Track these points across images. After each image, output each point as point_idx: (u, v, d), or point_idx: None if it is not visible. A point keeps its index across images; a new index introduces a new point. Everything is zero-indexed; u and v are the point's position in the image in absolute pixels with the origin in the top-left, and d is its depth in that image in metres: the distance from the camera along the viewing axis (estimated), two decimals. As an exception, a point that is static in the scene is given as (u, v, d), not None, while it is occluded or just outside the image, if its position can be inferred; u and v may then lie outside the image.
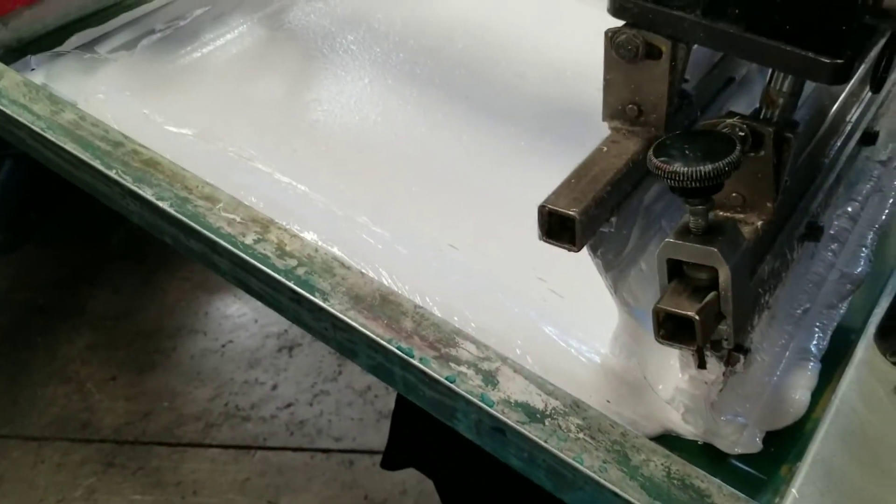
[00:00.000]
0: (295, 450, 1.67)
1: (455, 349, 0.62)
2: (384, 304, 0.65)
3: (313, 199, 0.77)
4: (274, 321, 1.85)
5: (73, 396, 1.75)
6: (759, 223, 0.57)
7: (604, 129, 0.58)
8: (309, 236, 0.71)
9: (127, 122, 0.83)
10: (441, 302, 0.67)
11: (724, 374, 0.58)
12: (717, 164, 0.46)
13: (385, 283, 0.69)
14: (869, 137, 0.78)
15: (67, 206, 1.86)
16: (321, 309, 0.65)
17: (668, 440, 0.61)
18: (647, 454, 0.56)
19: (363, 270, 0.68)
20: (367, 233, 0.74)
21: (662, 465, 0.55)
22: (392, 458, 1.02)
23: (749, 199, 0.57)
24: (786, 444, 0.60)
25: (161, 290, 1.94)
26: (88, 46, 0.96)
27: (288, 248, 0.69)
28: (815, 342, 0.67)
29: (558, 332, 0.66)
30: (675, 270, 0.52)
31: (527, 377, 0.60)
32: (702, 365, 0.56)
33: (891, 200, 0.79)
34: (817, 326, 0.69)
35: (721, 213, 0.57)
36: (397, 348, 0.62)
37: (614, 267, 0.58)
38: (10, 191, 1.70)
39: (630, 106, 0.57)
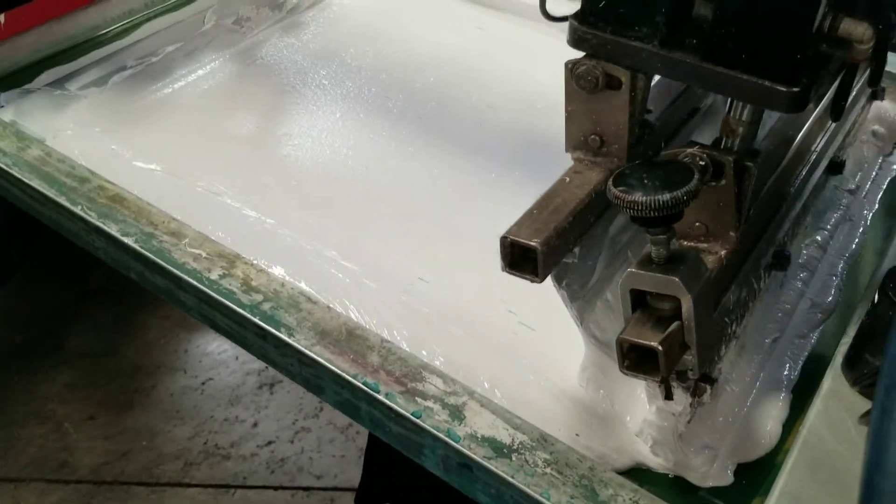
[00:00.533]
0: (276, 488, 1.65)
1: (422, 384, 0.61)
2: (350, 338, 0.64)
3: (281, 233, 0.76)
4: (254, 358, 1.83)
5: (50, 436, 1.72)
6: (723, 252, 0.56)
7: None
8: (276, 271, 0.71)
9: (95, 158, 0.83)
10: (409, 336, 0.66)
11: (691, 404, 0.58)
12: (675, 193, 0.46)
13: (353, 317, 0.68)
14: (836, 167, 0.79)
15: (47, 244, 1.84)
16: (287, 344, 0.64)
17: (639, 473, 0.60)
18: (615, 489, 0.55)
19: (330, 305, 0.67)
20: (335, 267, 0.73)
21: (630, 499, 0.54)
22: (366, 495, 1.01)
23: (712, 228, 0.56)
24: (757, 476, 0.59)
25: (141, 328, 1.92)
26: (59, 83, 0.96)
27: (254, 283, 0.68)
28: (786, 372, 0.67)
29: (528, 365, 0.65)
30: (639, 301, 0.51)
31: (494, 411, 0.59)
32: (668, 396, 0.55)
33: (860, 229, 0.79)
34: (788, 356, 0.68)
35: (684, 243, 0.57)
36: (363, 383, 0.61)
37: (579, 298, 0.57)
38: (-10, 231, 1.69)
39: (592, 137, 0.57)
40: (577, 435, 0.61)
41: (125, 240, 0.71)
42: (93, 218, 0.73)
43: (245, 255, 0.71)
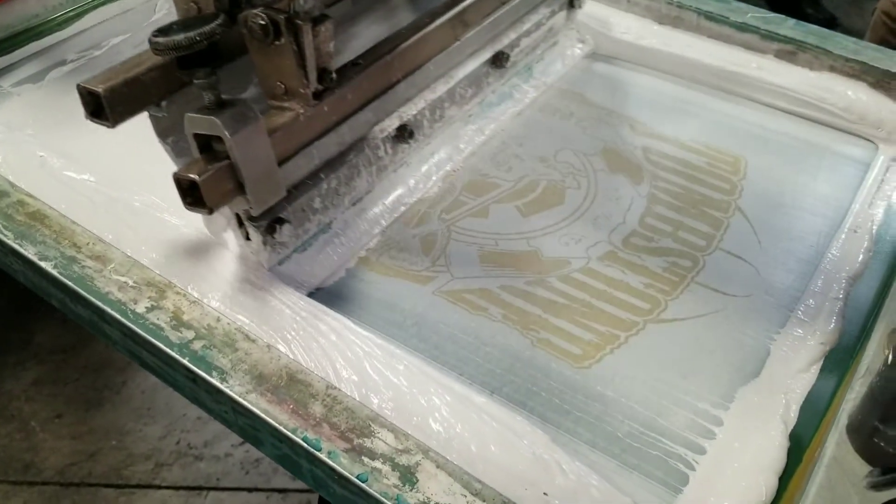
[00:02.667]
0: (250, 490, 1.58)
1: (370, 440, 0.54)
2: (291, 384, 0.57)
3: (224, 255, 0.68)
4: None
5: (15, 436, 1.66)
6: (301, 111, 0.64)
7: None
8: (212, 302, 0.63)
9: (21, 166, 0.74)
10: (359, 380, 0.58)
11: (264, 242, 0.65)
12: (188, 33, 0.53)
13: (297, 356, 0.60)
14: (499, 59, 0.87)
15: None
16: (219, 391, 0.56)
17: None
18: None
19: (271, 343, 0.60)
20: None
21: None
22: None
23: (289, 87, 0.63)
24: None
25: (111, 321, 1.85)
26: (-9, 79, 0.88)
27: (185, 318, 0.60)
28: (780, 411, 0.60)
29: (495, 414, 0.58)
30: (206, 145, 0.59)
31: (451, 473, 0.52)
32: (247, 237, 0.65)
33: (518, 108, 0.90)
34: (784, 394, 0.61)
35: (272, 103, 0.65)
36: (303, 439, 0.53)
37: (186, 154, 0.62)
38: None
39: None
40: (544, 494, 0.54)
41: (43, 265, 0.63)
42: (9, 238, 0.66)
43: (179, 282, 0.63)
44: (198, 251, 0.67)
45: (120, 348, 0.63)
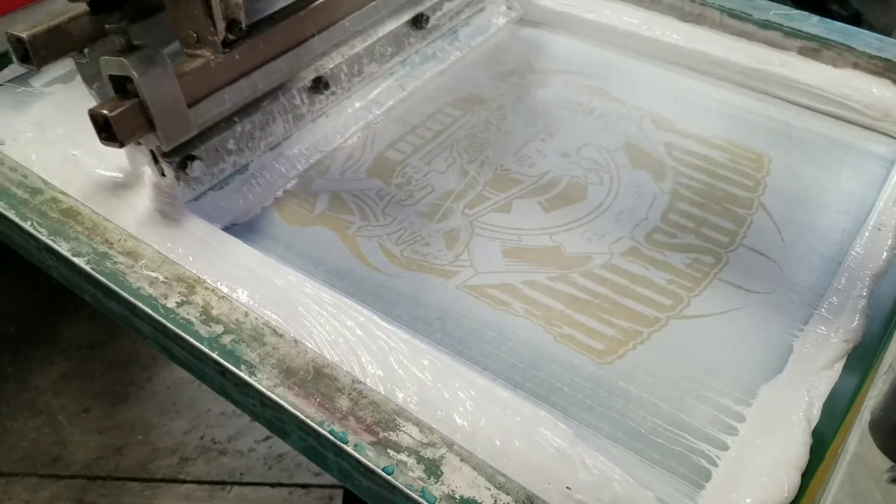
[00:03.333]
0: (273, 485, 1.60)
1: (395, 433, 0.55)
2: (318, 378, 0.58)
3: (143, 190, 0.72)
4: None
5: (43, 430, 1.68)
6: (212, 57, 0.71)
7: None
8: (242, 296, 0.64)
9: (53, 164, 0.76)
10: (384, 375, 0.59)
11: (177, 177, 0.72)
12: None
13: (323, 351, 0.61)
14: (418, 21, 0.94)
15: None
16: (247, 384, 0.58)
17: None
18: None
19: (299, 338, 0.61)
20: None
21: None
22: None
23: (200, 36, 0.70)
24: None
25: (137, 317, 1.87)
26: (23, 79, 0.89)
27: (214, 313, 0.62)
28: (803, 408, 0.60)
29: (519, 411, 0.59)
30: (121, 87, 0.66)
31: (475, 467, 0.53)
32: (162, 174, 0.72)
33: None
34: (807, 391, 0.62)
35: (187, 50, 0.72)
36: (329, 432, 0.54)
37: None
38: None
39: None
40: (567, 488, 0.54)
41: (76, 261, 0.65)
42: (43, 235, 0.67)
43: (208, 277, 0.65)
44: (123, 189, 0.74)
45: (151, 342, 0.64)
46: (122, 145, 0.65)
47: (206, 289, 0.63)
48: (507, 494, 0.51)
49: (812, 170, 0.83)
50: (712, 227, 0.76)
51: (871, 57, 0.89)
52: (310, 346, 0.60)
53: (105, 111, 0.64)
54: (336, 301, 0.63)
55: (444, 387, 0.59)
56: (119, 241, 0.67)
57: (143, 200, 0.72)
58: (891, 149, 0.86)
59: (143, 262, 0.65)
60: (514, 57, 1.01)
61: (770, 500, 0.55)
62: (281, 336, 0.60)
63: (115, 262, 0.65)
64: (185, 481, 1.60)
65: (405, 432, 0.55)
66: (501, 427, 0.57)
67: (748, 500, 0.55)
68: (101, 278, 0.63)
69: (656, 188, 0.81)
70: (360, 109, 0.89)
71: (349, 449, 0.54)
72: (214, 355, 0.59)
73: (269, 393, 0.57)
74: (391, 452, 0.53)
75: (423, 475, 0.52)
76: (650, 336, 0.67)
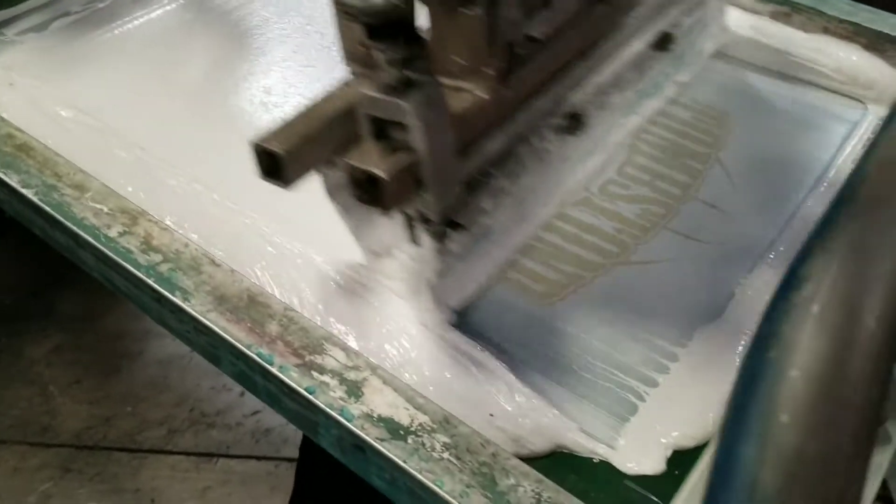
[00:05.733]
0: (259, 458, 1.61)
1: (321, 356, 0.55)
2: (251, 305, 0.58)
3: (203, 193, 0.70)
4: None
5: (35, 399, 1.70)
6: (482, 94, 0.54)
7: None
8: (190, 235, 0.64)
9: (19, 108, 0.77)
10: (320, 304, 0.60)
11: (438, 250, 0.57)
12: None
13: (264, 284, 0.62)
14: (663, 42, 0.78)
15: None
16: (181, 310, 0.58)
17: (561, 459, 0.54)
18: (518, 478, 0.48)
19: (247, 272, 0.61)
20: (255, 232, 0.67)
21: (533, 490, 0.48)
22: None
23: (470, 64, 0.53)
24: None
25: (131, 292, 1.89)
26: (-6, 26, 0.91)
27: (154, 243, 0.62)
28: (738, 350, 0.60)
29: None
30: (381, 131, 0.49)
31: (396, 389, 0.53)
32: (415, 240, 0.56)
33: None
34: (744, 335, 0.62)
35: (445, 81, 0.53)
36: (257, 354, 0.55)
37: (354, 210, 0.56)
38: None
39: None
40: (490, 415, 0.55)
41: (25, 192, 0.66)
42: (-4, 170, 0.68)
43: (161, 215, 0.65)
44: (177, 190, 0.70)
45: (96, 273, 0.65)
46: (387, 211, 0.50)
47: (149, 220, 0.64)
48: (425, 415, 0.52)
49: (774, 131, 0.83)
50: (667, 180, 0.76)
51: (841, 21, 0.89)
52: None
53: (377, 170, 0.47)
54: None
55: (382, 319, 0.60)
56: (68, 174, 0.68)
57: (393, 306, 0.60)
58: (856, 112, 0.85)
59: (89, 194, 0.66)
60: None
61: (694, 435, 0.55)
62: (218, 266, 0.61)
63: (62, 195, 0.66)
64: (172, 452, 1.61)
65: (331, 356, 0.55)
66: (434, 359, 0.57)
67: (674, 434, 0.55)
68: (48, 209, 0.65)
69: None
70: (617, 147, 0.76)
71: (274, 370, 0.54)
72: (151, 282, 0.59)
73: (201, 318, 0.57)
74: (315, 374, 0.54)
75: (345, 395, 0.53)
76: (594, 280, 0.67)
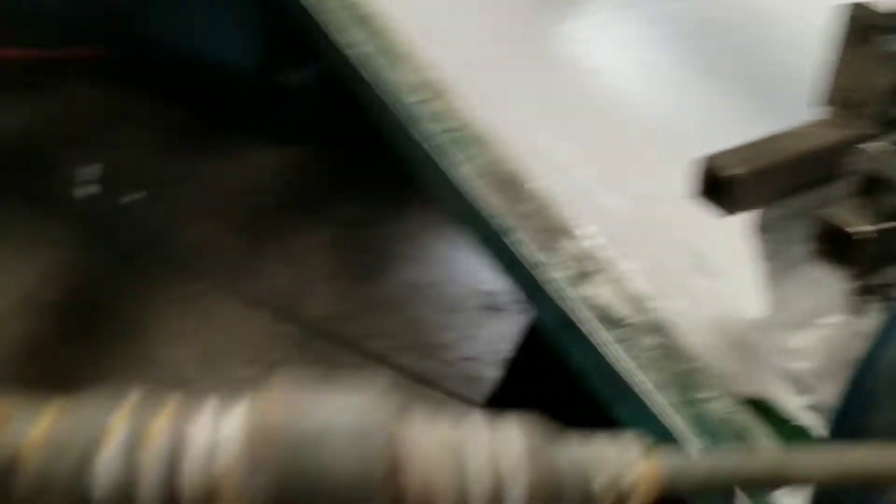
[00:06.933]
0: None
1: (566, 240, 0.59)
2: (514, 183, 0.64)
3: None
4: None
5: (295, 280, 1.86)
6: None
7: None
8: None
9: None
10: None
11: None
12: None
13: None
14: None
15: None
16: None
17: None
18: (710, 393, 0.50)
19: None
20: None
21: (725, 409, 0.49)
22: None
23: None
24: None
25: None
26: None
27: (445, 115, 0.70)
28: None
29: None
30: (871, 185, 0.44)
31: (627, 288, 0.56)
32: (857, 311, 0.48)
33: None
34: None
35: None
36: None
37: (774, 256, 0.50)
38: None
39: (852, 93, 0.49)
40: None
41: (347, 52, 0.76)
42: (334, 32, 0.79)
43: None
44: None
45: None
46: (854, 273, 0.45)
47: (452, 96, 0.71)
48: (645, 315, 0.54)
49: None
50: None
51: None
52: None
53: (853, 228, 0.43)
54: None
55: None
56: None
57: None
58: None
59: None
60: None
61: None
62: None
63: (386, 59, 0.75)
64: (392, 366, 1.69)
65: (575, 241, 0.59)
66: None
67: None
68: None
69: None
70: None
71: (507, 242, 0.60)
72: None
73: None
74: (550, 254, 0.58)
75: (574, 276, 0.57)
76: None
